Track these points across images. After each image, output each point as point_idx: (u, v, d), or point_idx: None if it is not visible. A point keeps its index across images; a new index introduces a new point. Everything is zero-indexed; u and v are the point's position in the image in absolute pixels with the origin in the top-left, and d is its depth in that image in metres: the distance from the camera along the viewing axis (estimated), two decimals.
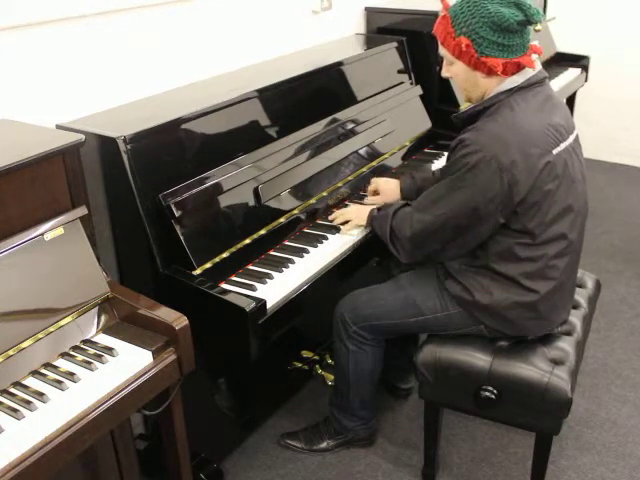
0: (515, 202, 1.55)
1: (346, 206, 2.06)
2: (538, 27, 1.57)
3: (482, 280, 1.68)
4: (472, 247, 1.66)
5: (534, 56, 1.61)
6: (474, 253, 1.68)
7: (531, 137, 1.54)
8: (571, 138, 1.65)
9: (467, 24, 1.54)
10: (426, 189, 1.73)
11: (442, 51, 1.64)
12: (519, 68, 1.59)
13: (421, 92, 2.58)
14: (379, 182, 2.08)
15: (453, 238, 1.64)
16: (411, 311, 1.81)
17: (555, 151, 1.57)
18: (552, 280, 1.66)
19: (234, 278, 1.70)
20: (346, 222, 1.94)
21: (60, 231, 1.42)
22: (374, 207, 1.91)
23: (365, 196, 2.14)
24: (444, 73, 1.69)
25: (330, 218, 1.98)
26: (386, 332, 1.89)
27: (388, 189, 2.05)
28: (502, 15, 1.50)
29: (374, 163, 2.28)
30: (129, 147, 1.61)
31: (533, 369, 1.67)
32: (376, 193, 2.08)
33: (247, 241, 1.80)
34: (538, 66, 1.62)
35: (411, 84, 2.65)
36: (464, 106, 1.72)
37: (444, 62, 1.67)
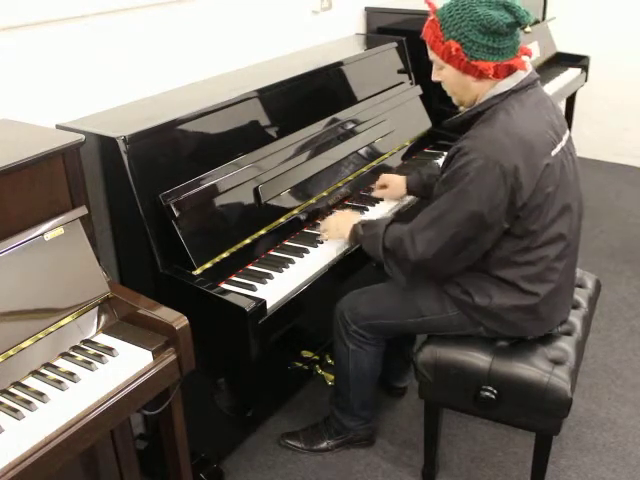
0: (518, 206, 1.53)
1: (346, 206, 2.07)
2: (528, 29, 1.54)
3: (482, 283, 1.67)
4: (475, 259, 1.62)
5: (525, 57, 1.59)
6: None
7: (531, 141, 1.52)
8: (564, 138, 1.63)
9: (456, 28, 1.52)
10: (432, 185, 1.72)
11: (432, 55, 1.62)
12: (510, 71, 1.57)
13: (421, 92, 2.59)
14: (386, 177, 2.14)
15: (457, 252, 1.59)
16: (410, 311, 1.81)
17: (553, 153, 1.56)
18: (551, 282, 1.65)
19: (234, 278, 1.70)
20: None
21: (60, 231, 1.42)
22: (357, 222, 1.82)
23: (365, 196, 2.15)
24: (434, 77, 1.66)
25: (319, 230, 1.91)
26: (386, 331, 1.89)
27: (394, 183, 2.10)
28: (491, 18, 1.48)
29: (374, 163, 2.28)
30: (129, 147, 1.61)
31: (533, 369, 1.67)
32: (384, 187, 2.13)
33: (247, 241, 1.80)
34: (529, 68, 1.60)
35: (411, 84, 2.65)
36: (460, 109, 1.70)
37: (434, 66, 1.64)
